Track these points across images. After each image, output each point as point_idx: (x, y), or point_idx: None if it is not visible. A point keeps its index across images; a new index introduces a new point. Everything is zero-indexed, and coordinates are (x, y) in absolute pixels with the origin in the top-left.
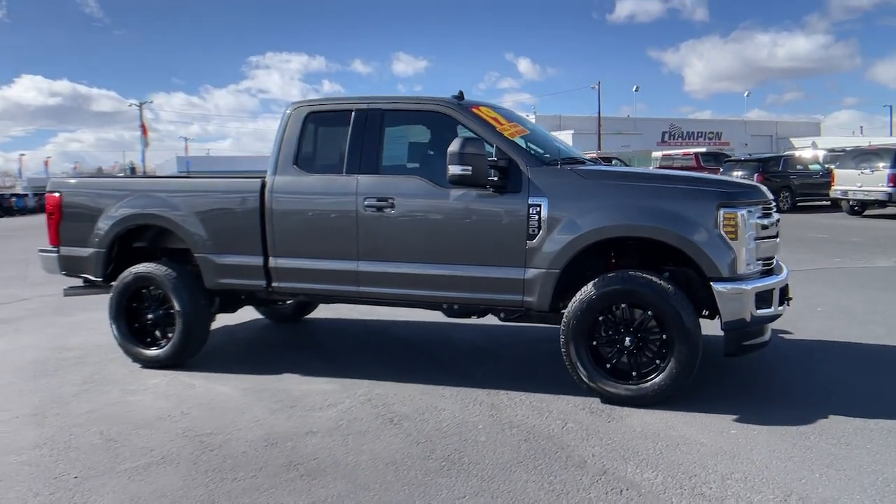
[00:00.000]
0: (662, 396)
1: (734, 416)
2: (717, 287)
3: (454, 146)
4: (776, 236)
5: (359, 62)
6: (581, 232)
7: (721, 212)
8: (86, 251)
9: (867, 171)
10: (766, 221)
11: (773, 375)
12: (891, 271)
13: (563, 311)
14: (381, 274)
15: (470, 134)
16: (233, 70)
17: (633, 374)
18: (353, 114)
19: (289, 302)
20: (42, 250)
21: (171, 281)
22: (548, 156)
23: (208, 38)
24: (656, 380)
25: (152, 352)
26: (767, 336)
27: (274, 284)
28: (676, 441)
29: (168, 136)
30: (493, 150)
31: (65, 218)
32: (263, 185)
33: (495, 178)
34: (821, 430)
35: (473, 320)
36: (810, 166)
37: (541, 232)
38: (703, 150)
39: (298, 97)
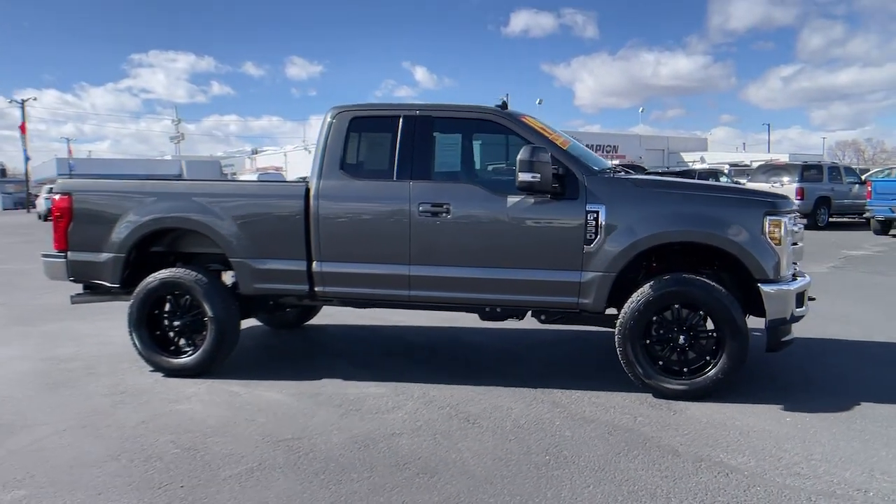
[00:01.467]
0: (715, 389)
1: (779, 406)
2: (765, 288)
3: (525, 154)
4: (799, 242)
5: (250, 64)
6: (638, 237)
7: (767, 219)
8: (101, 256)
9: (777, 184)
10: (796, 228)
11: (790, 369)
12: (823, 277)
13: (606, 314)
14: (434, 278)
15: (536, 143)
16: (112, 67)
17: (685, 370)
18: (401, 120)
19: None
20: (46, 255)
21: (203, 286)
22: (594, 166)
23: (85, 32)
24: (710, 374)
25: (180, 360)
26: (793, 333)
27: (317, 289)
28: (744, 429)
29: (39, 137)
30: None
31: (76, 221)
32: (307, 190)
33: (556, 186)
34: (861, 415)
35: (477, 324)
36: (721, 179)
37: (598, 237)
38: (624, 162)
39: (185, 98)
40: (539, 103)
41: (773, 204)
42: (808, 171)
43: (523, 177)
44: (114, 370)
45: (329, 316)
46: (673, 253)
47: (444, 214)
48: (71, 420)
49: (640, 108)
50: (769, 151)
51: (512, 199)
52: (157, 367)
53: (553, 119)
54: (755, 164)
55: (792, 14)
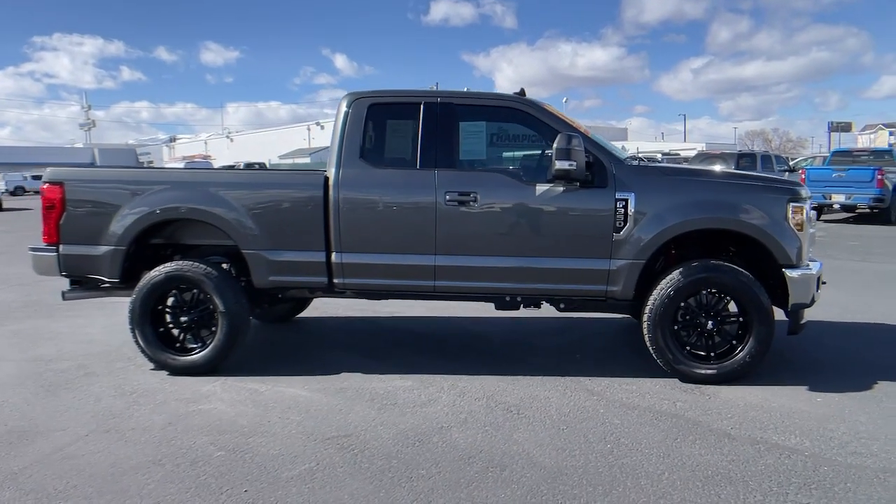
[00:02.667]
0: (744, 373)
1: (803, 387)
2: (790, 273)
3: (562, 142)
4: (812, 229)
5: (163, 49)
6: (668, 225)
7: (790, 205)
8: (98, 250)
9: None
10: (812, 215)
11: (794, 350)
12: None
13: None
14: (461, 268)
15: (564, 131)
16: (12, 50)
17: (711, 354)
18: (422, 107)
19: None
20: (35, 249)
21: (214, 280)
22: (618, 154)
23: None
24: (738, 357)
25: (188, 357)
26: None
27: (336, 281)
28: (782, 411)
29: None
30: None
31: (69, 212)
32: (326, 179)
33: (587, 174)
34: (885, 394)
35: (476, 313)
36: None
37: (627, 225)
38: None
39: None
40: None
41: (795, 191)
42: (743, 160)
43: (560, 165)
44: (110, 370)
45: (317, 309)
46: (690, 241)
47: (471, 203)
48: (89, 424)
49: (564, 99)
50: (685, 141)
51: (541, 188)
52: (162, 366)
53: None
54: (685, 153)
55: (702, 8)
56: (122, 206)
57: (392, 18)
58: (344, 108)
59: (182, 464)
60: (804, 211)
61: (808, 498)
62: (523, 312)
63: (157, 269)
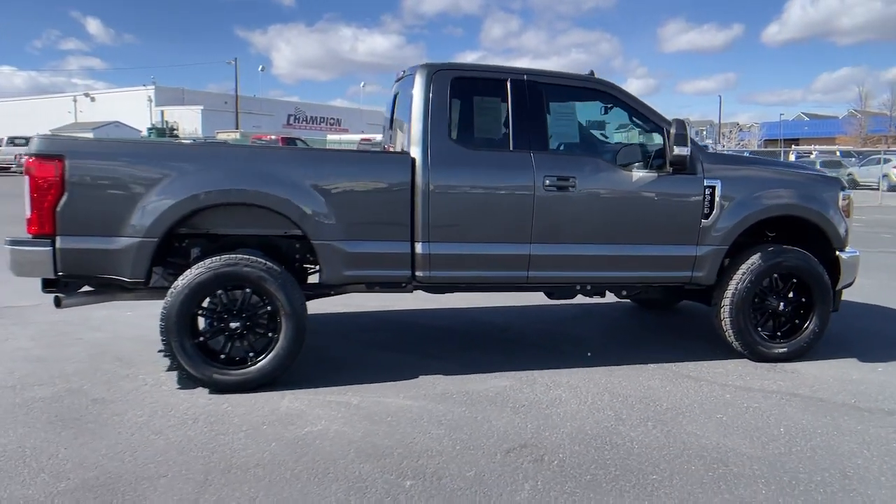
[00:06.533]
0: (808, 350)
1: (855, 360)
2: (843, 255)
3: (679, 128)
4: None
5: None
6: (749, 212)
7: (841, 194)
8: (117, 242)
9: None
10: None
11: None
12: None
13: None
14: (556, 257)
15: (651, 116)
16: None
17: (778, 334)
18: (508, 84)
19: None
20: (14, 243)
21: (278, 277)
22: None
23: None
24: (804, 335)
25: (242, 370)
26: None
27: (419, 274)
28: (869, 382)
29: None
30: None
31: (72, 193)
32: (413, 161)
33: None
34: None
35: (489, 304)
36: None
37: (714, 211)
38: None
39: None
40: (262, 70)
41: (842, 182)
42: None
43: (679, 150)
44: (115, 391)
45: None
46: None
47: (570, 189)
48: (191, 465)
49: (363, 83)
50: None
51: (637, 173)
52: (205, 384)
53: (249, 88)
54: None
55: (477, 4)
56: (152, 187)
57: None
58: (423, 81)
59: (380, 499)
60: (851, 199)
61: None
62: (522, 300)
63: (201, 264)
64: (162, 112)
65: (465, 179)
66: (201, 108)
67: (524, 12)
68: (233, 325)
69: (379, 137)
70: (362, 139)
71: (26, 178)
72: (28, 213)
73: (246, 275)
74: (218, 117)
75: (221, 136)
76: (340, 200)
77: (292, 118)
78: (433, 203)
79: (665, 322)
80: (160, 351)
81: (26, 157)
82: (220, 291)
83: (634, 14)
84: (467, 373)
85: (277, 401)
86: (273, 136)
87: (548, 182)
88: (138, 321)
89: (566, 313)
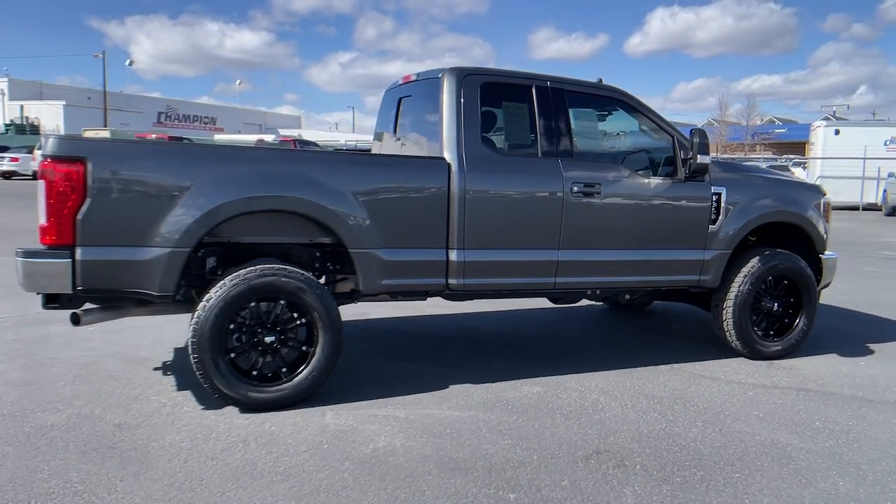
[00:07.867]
0: (798, 347)
1: (836, 355)
2: (824, 258)
3: (702, 137)
4: None
5: None
6: (751, 217)
7: (822, 201)
8: (147, 253)
9: None
10: None
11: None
12: None
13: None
14: (582, 263)
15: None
16: None
17: (771, 333)
18: (533, 90)
19: None
20: (28, 254)
21: (316, 288)
22: None
23: None
24: (795, 333)
25: (277, 387)
26: None
27: (452, 282)
28: (853, 376)
29: None
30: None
31: (95, 199)
32: (448, 165)
33: None
34: (884, 353)
35: (476, 310)
36: None
37: (720, 217)
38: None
39: None
40: (130, 64)
41: (822, 189)
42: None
43: (702, 159)
44: (134, 414)
45: None
46: None
47: (595, 195)
48: (283, 491)
49: (238, 81)
50: (354, 131)
51: (654, 180)
52: (239, 403)
53: (112, 83)
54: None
55: (350, 3)
56: (185, 192)
57: None
58: (453, 84)
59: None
60: (829, 206)
61: None
62: (514, 306)
63: (236, 275)
64: (21, 107)
65: (499, 185)
66: (63, 103)
67: (398, 13)
68: (268, 339)
69: (269, 138)
70: (258, 139)
71: (41, 182)
72: (43, 221)
73: (283, 285)
74: (82, 114)
75: (89, 135)
76: (378, 207)
77: (163, 116)
78: (469, 209)
79: (642, 323)
80: (156, 368)
81: (42, 158)
82: (252, 304)
83: (506, 21)
84: (493, 381)
85: (320, 417)
86: (154, 135)
87: (575, 189)
88: (107, 337)
89: (552, 315)
